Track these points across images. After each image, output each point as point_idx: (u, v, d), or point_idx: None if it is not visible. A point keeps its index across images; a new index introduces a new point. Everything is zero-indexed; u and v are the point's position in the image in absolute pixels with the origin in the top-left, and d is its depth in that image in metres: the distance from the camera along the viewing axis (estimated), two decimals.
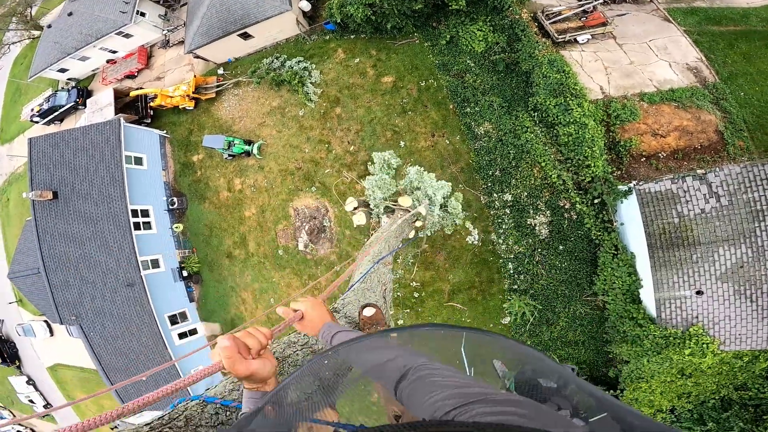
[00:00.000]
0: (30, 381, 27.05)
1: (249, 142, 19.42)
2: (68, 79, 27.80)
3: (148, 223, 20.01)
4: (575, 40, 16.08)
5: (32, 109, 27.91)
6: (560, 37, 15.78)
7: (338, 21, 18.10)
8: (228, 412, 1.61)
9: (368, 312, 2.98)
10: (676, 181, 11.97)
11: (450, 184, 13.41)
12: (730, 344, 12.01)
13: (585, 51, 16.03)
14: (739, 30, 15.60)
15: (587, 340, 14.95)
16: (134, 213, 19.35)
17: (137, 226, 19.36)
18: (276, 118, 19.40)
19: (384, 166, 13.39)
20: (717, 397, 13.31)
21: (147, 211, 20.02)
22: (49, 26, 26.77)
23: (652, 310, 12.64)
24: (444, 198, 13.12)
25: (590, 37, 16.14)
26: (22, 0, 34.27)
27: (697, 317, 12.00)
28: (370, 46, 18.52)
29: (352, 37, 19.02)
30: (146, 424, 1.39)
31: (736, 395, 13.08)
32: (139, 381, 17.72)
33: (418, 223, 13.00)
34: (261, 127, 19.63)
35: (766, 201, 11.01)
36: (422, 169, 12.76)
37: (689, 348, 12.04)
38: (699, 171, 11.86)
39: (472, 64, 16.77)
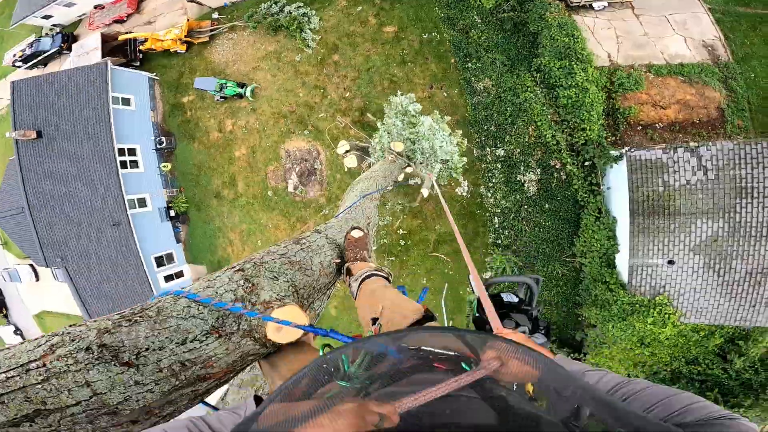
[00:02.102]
0: (17, 331, 26.56)
1: (242, 85, 19.02)
2: (53, 25, 26.44)
3: (135, 161, 19.65)
4: (591, 5, 15.72)
5: (14, 55, 26.55)
6: (575, 1, 15.46)
7: None
8: (200, 307, 1.58)
9: (356, 234, 3.09)
10: (667, 151, 12.05)
11: (459, 137, 13.27)
12: (690, 317, 12.36)
13: (599, 18, 15.72)
14: (766, 13, 15.24)
15: (561, 301, 15.26)
16: (121, 151, 18.96)
17: (124, 164, 18.99)
18: (271, 63, 18.98)
19: (399, 112, 13.09)
20: (668, 369, 13.71)
21: (134, 149, 19.65)
22: None
23: (624, 276, 12.91)
24: (448, 153, 12.96)
25: (607, 4, 15.77)
26: None
27: (664, 287, 12.28)
28: None
29: None
30: (118, 313, 1.42)
31: (686, 369, 13.48)
32: None
33: (409, 169, 12.81)
34: (255, 71, 19.21)
35: (752, 179, 11.17)
36: (438, 118, 12.53)
37: (652, 317, 12.37)
38: (692, 144, 11.94)
39: (479, 21, 16.41)
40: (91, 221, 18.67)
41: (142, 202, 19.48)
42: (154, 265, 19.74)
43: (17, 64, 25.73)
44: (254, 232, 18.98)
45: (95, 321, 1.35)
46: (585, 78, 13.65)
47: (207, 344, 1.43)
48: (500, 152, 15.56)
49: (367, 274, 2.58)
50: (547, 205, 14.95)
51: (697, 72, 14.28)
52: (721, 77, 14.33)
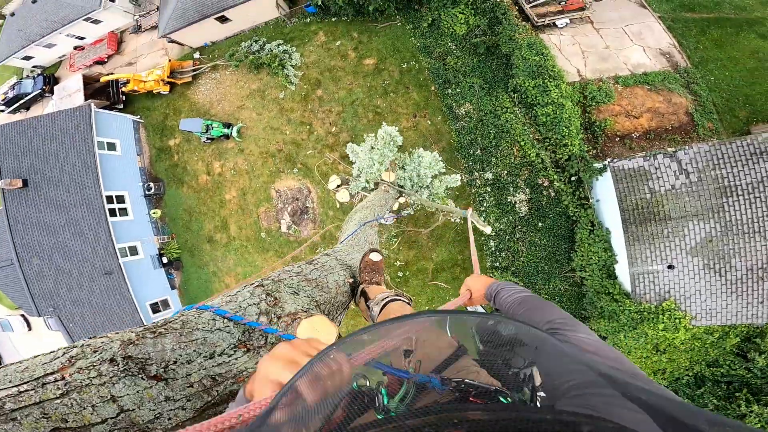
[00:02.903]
0: None
1: (228, 125, 19.15)
2: (33, 67, 26.72)
3: (124, 209, 19.52)
4: (554, 23, 16.50)
5: None
6: (540, 20, 16.19)
7: (319, 3, 18.10)
8: (225, 320, 1.55)
9: (375, 257, 3.03)
10: (648, 158, 12.50)
11: (443, 163, 13.62)
12: (701, 319, 12.35)
13: (563, 35, 16.49)
14: (712, 17, 16.25)
15: None
16: (109, 199, 18.84)
17: (113, 212, 18.87)
18: (256, 101, 19.25)
19: (388, 142, 13.40)
20: (690, 374, 13.62)
21: (122, 197, 19.53)
22: (12, 14, 25.66)
23: (627, 285, 12.92)
24: (433, 177, 13.27)
25: (569, 21, 16.59)
26: None
27: (669, 292, 12.31)
28: (352, 28, 18.58)
29: (333, 19, 19.04)
30: (140, 326, 1.37)
31: (708, 372, 13.41)
32: None
33: (401, 199, 13.04)
34: (240, 110, 19.44)
35: (733, 178, 11.60)
36: (420, 149, 12.93)
37: (663, 323, 12.32)
38: (669, 149, 12.45)
39: (454, 47, 17.06)
40: (83, 271, 18.41)
41: (133, 250, 19.30)
42: (150, 311, 19.52)
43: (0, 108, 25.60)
44: (250, 275, 18.76)
45: (117, 333, 1.28)
46: (559, 94, 14.17)
47: (236, 358, 1.39)
48: (488, 175, 15.84)
49: (390, 298, 2.46)
50: (540, 224, 15.13)
51: (661, 80, 14.92)
52: (684, 83, 15.02)
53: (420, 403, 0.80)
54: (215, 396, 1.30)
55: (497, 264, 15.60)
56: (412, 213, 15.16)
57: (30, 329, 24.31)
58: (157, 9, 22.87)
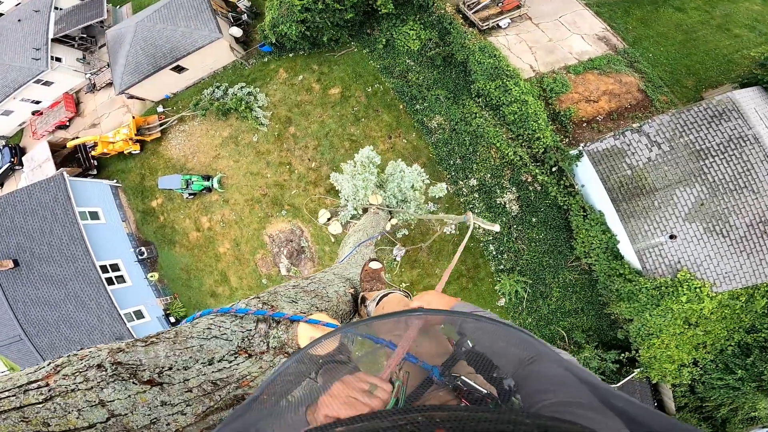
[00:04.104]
0: None
1: (207, 177, 18.51)
2: None
3: (121, 276, 18.78)
4: (498, 25, 16.84)
5: None
6: (484, 24, 16.47)
7: (273, 42, 17.79)
8: (221, 328, 1.49)
9: (374, 265, 2.97)
10: (617, 137, 12.78)
11: (426, 175, 13.93)
12: (720, 285, 11.89)
13: (509, 34, 16.81)
14: None
15: (585, 306, 14.97)
16: (104, 268, 18.13)
17: (110, 281, 18.17)
18: (230, 148, 18.70)
19: (368, 165, 13.55)
20: (733, 344, 13.07)
21: (116, 264, 18.77)
22: None
23: (636, 263, 12.62)
24: (417, 189, 13.57)
25: (510, 21, 16.95)
26: None
27: (679, 262, 11.97)
28: (311, 61, 18.29)
29: (290, 55, 18.69)
30: (138, 339, 1.31)
31: (750, 339, 12.93)
32: None
33: (393, 221, 13.38)
34: (216, 159, 18.84)
35: (702, 141, 11.89)
36: (399, 161, 13.14)
37: (684, 294, 11.80)
38: (634, 125, 12.74)
39: (412, 63, 17.08)
40: (93, 339, 17.78)
41: (139, 314, 18.56)
42: None
43: None
44: None
45: (106, 345, 1.22)
46: (520, 91, 14.42)
47: (237, 364, 1.35)
48: (473, 182, 15.88)
49: (385, 292, 2.43)
50: (533, 219, 15.18)
51: (606, 63, 15.38)
52: (627, 63, 15.48)
53: (418, 400, 0.88)
54: (218, 401, 1.27)
55: (501, 267, 15.48)
56: (407, 233, 15.42)
57: None
58: (108, 65, 22.11)
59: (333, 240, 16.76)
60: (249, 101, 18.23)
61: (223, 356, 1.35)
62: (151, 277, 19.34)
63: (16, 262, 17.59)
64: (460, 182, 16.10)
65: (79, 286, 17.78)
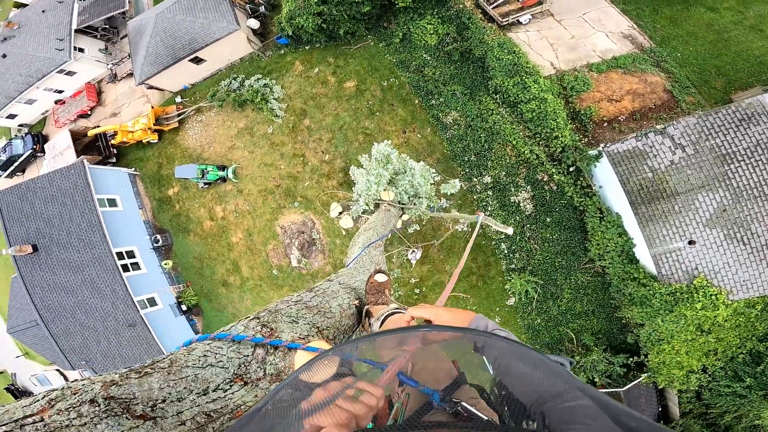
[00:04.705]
0: None
1: (223, 168, 18.44)
2: (19, 126, 25.79)
3: (136, 263, 18.88)
4: (518, 21, 16.29)
5: None
6: (504, 20, 15.92)
7: (290, 34, 17.43)
8: (218, 355, 1.45)
9: (380, 278, 2.86)
10: (639, 138, 12.16)
11: (434, 170, 13.61)
12: (737, 293, 11.44)
13: (529, 31, 16.25)
14: None
15: (596, 309, 14.57)
16: (120, 255, 18.21)
17: (125, 267, 18.27)
18: (245, 139, 18.51)
19: (382, 160, 13.37)
20: (745, 351, 12.72)
21: (132, 252, 18.85)
22: None
23: (651, 268, 12.17)
24: (427, 184, 13.28)
25: (531, 16, 16.37)
26: None
27: (696, 268, 11.49)
28: (327, 54, 17.90)
29: (307, 48, 18.31)
30: (126, 367, 1.29)
31: (762, 347, 12.60)
32: None
33: (405, 216, 13.19)
34: (232, 150, 18.68)
35: (729, 145, 11.25)
36: (406, 157, 12.90)
37: (699, 301, 11.44)
38: (658, 126, 12.11)
39: (429, 58, 16.59)
40: (107, 325, 17.97)
41: (152, 302, 18.62)
42: None
43: None
44: None
45: (100, 375, 1.21)
46: (539, 89, 13.86)
47: (233, 392, 1.32)
48: (487, 179, 15.44)
49: (390, 312, 2.33)
50: (548, 219, 14.70)
51: (631, 62, 14.71)
52: (653, 62, 14.77)
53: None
54: None
55: (513, 266, 15.07)
56: (419, 229, 15.22)
57: (67, 381, 24.32)
58: (129, 56, 22.10)
59: (344, 233, 16.49)
60: (265, 93, 18.04)
61: (219, 385, 1.33)
62: (165, 264, 19.44)
63: (35, 247, 17.72)
64: (474, 179, 15.63)
65: (96, 272, 17.92)
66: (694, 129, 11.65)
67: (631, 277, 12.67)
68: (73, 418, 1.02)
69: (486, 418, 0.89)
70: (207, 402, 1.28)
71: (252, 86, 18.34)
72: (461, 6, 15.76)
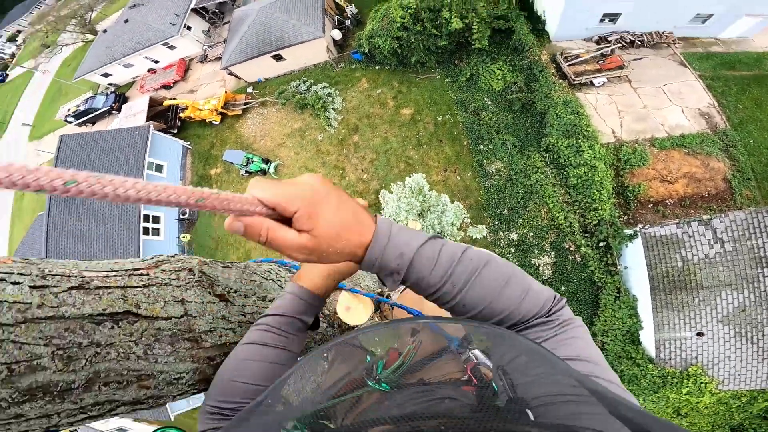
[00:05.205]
0: None
1: (267, 161, 21.33)
2: (109, 84, 31.53)
3: (157, 229, 21.81)
4: (591, 82, 17.17)
5: (69, 110, 31.67)
6: (577, 79, 16.92)
7: (366, 51, 20.26)
8: (278, 275, 1.81)
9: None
10: (681, 226, 12.95)
11: (467, 212, 14.69)
12: (728, 384, 12.72)
13: (600, 93, 17.14)
14: (752, 75, 16.56)
15: None
16: (146, 218, 21.19)
17: (146, 231, 21.13)
18: (295, 140, 21.44)
19: (416, 191, 14.88)
20: None
21: (158, 217, 21.95)
22: (105, 31, 31.24)
23: (651, 351, 13.25)
24: (458, 228, 14.44)
25: (606, 80, 17.24)
26: (86, 3, 39.44)
27: (696, 358, 12.70)
28: (393, 77, 20.54)
29: (376, 67, 21.13)
30: (218, 261, 1.52)
31: None
32: None
33: None
34: (280, 147, 21.68)
35: None
36: (441, 195, 14.24)
37: (687, 387, 12.75)
38: (705, 217, 12.85)
39: (489, 102, 18.38)
40: None
41: None
42: None
43: (69, 119, 30.14)
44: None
45: (197, 257, 1.45)
46: (593, 155, 14.71)
47: None
48: (513, 236, 16.41)
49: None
50: (563, 288, 15.31)
51: (699, 142, 15.05)
52: (722, 146, 15.06)
53: (411, 379, 0.85)
54: None
55: None
56: None
57: None
58: (224, 41, 26.69)
59: None
60: (326, 101, 20.92)
61: (274, 297, 1.61)
62: (183, 238, 22.26)
63: None
64: (501, 233, 16.66)
65: (117, 228, 20.71)
66: (739, 225, 12.32)
67: (629, 356, 13.56)
68: (173, 279, 1.25)
69: (491, 365, 0.83)
70: (263, 306, 1.55)
71: (317, 92, 21.32)
72: (537, 58, 17.25)
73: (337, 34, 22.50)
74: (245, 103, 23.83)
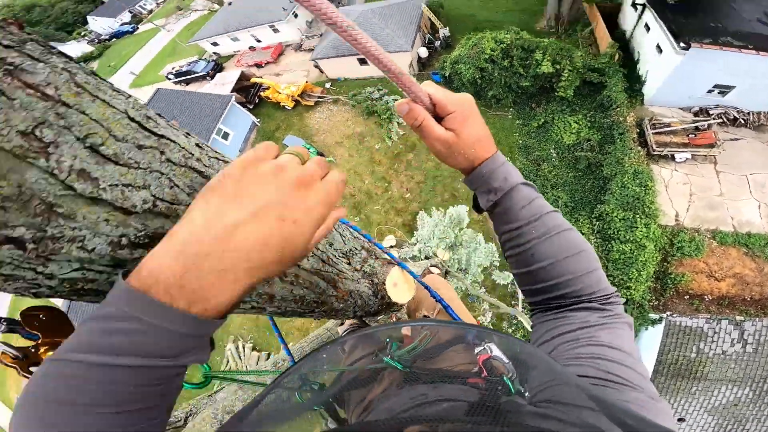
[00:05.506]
0: None
1: (321, 155, 22.69)
2: (213, 53, 36.49)
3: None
4: (672, 156, 16.48)
5: (173, 68, 37.15)
6: (658, 149, 16.30)
7: (446, 75, 21.49)
8: (343, 232, 1.67)
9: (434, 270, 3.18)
10: (710, 321, 13.20)
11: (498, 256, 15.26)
12: None
13: (678, 171, 16.49)
14: None
15: None
16: (218, 132, 24.15)
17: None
18: (353, 143, 23.15)
19: (455, 221, 15.73)
20: None
21: (228, 134, 25.00)
22: (230, 3, 36.63)
23: None
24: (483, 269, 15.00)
25: (690, 156, 16.41)
26: None
27: None
28: None
29: None
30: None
31: None
32: None
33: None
34: (337, 146, 23.50)
35: None
36: (477, 233, 14.89)
37: None
38: (738, 318, 13.00)
39: (554, 155, 18.69)
40: None
41: None
42: None
43: (169, 76, 35.16)
44: None
45: None
46: (645, 234, 14.57)
47: (341, 261, 1.57)
48: None
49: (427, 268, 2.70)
50: None
51: (762, 245, 14.52)
52: None
53: (423, 365, 0.95)
54: (322, 274, 1.44)
55: None
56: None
57: None
58: (321, 35, 29.91)
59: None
60: (394, 114, 22.38)
61: (337, 248, 1.60)
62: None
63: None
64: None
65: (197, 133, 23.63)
66: None
67: None
68: None
69: (507, 361, 0.83)
70: (325, 252, 1.52)
71: (387, 103, 22.83)
72: (621, 118, 17.23)
73: (424, 52, 24.02)
74: (320, 97, 26.22)
